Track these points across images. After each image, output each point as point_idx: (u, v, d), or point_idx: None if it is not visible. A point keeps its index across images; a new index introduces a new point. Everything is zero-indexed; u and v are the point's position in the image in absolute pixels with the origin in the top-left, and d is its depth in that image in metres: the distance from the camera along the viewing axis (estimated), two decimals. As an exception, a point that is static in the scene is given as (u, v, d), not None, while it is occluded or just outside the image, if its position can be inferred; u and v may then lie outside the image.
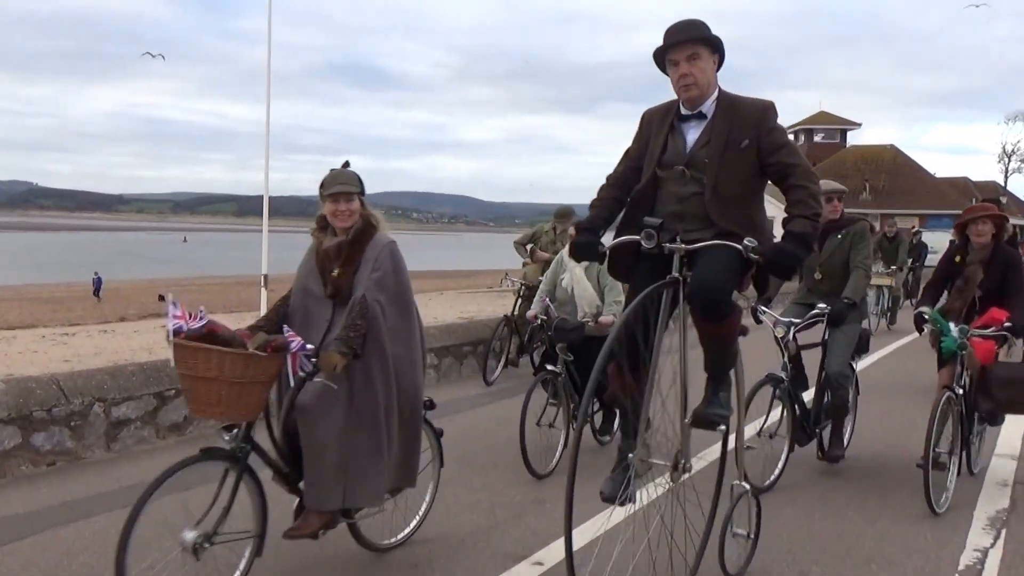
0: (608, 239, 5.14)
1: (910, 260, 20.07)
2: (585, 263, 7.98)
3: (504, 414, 9.64)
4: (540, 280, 12.79)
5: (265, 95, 18.77)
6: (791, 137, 4.24)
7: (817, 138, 77.96)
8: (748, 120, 4.87)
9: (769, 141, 4.86)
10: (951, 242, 8.05)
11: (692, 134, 4.95)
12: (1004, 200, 66.30)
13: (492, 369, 12.35)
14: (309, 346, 4.99)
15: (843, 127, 78.70)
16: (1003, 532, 6.39)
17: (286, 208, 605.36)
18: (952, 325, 7.21)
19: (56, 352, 21.64)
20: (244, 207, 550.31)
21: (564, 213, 13.01)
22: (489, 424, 9.48)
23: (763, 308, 7.59)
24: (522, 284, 12.89)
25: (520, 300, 12.89)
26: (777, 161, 4.85)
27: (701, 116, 4.95)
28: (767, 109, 4.93)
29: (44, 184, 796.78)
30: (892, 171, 69.60)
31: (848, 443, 8.20)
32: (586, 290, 8.30)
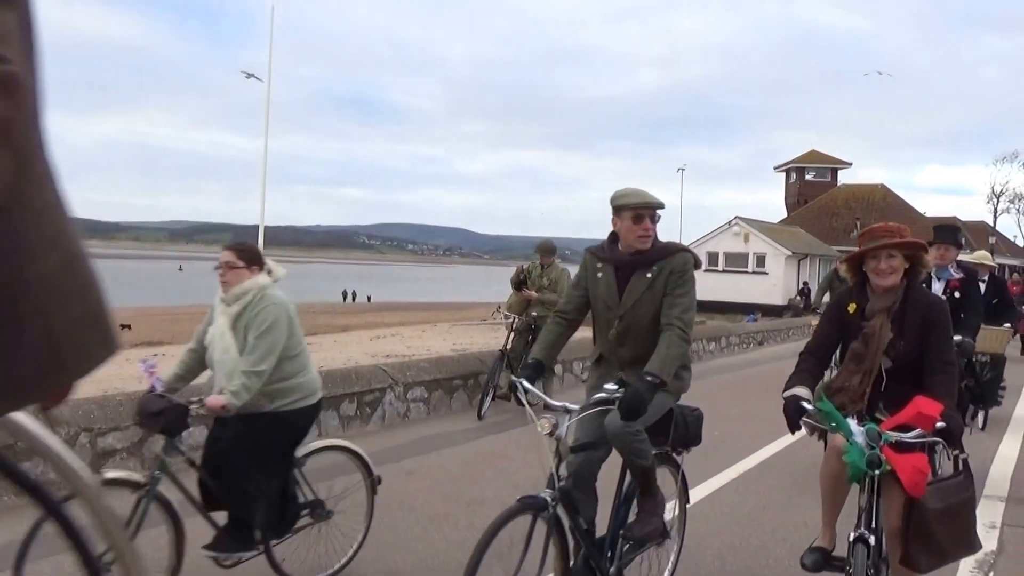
0: None
1: None
2: (239, 306, 5.43)
3: (494, 448, 9.58)
4: (528, 312, 12.85)
5: (264, 126, 18.80)
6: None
7: (809, 176, 78.52)
8: None
9: None
10: (834, 276, 6.02)
11: None
12: (993, 240, 66.46)
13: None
14: None
15: (834, 166, 79.35)
16: (991, 575, 6.33)
17: (282, 237, 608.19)
18: (854, 424, 4.43)
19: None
20: (240, 236, 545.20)
21: (546, 247, 12.96)
22: (478, 458, 9.39)
23: (525, 385, 4.99)
24: (513, 317, 12.86)
25: (512, 333, 12.82)
26: None
27: None
28: None
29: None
30: (882, 210, 70.01)
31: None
32: (227, 352, 5.44)
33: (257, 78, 24.18)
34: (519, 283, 12.97)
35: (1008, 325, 11.77)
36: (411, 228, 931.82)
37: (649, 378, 4.80)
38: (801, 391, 4.77)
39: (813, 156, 79.81)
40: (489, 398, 12.27)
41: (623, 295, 5.21)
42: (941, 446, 4.72)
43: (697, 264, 5.29)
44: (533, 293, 12.66)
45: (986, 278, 11.95)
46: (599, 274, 5.32)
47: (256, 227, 19.95)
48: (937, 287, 8.63)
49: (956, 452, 4.71)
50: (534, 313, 12.71)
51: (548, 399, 4.92)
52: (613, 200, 5.22)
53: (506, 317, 13.18)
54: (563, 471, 4.71)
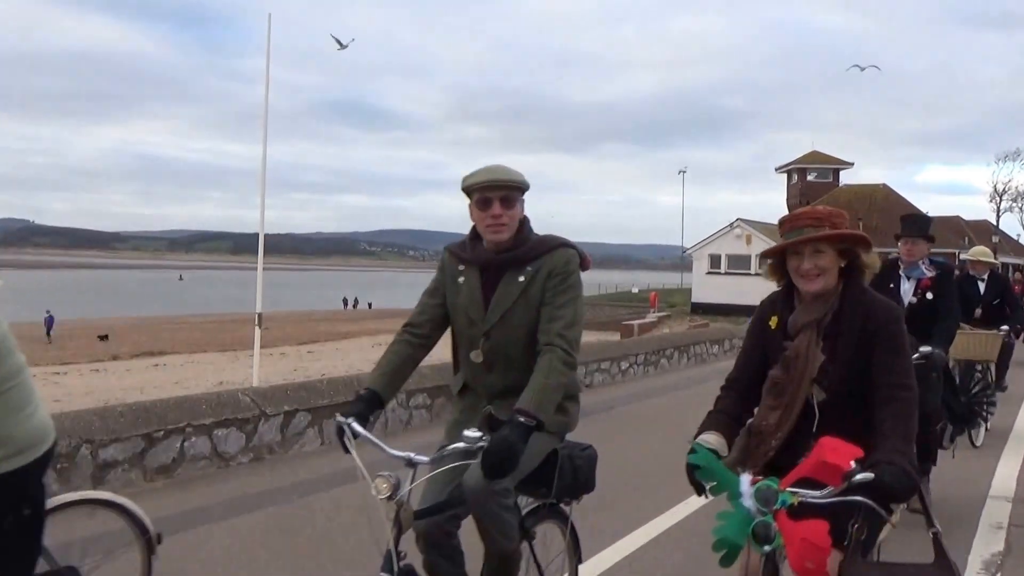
0: None
1: None
2: None
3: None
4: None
5: (262, 134, 18.80)
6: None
7: (810, 177, 78.39)
8: None
9: None
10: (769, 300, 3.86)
11: None
12: (996, 239, 66.43)
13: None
14: None
15: (836, 166, 79.22)
16: (998, 576, 6.31)
17: (282, 245, 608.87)
18: (745, 480, 3.22)
19: (47, 391, 21.50)
20: (240, 244, 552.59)
21: None
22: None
23: (355, 427, 3.78)
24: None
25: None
26: None
27: None
28: None
29: (41, 222, 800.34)
30: (885, 210, 70.01)
31: None
32: None
33: (344, 44, 23.65)
34: None
35: (1006, 328, 11.01)
36: (412, 234, 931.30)
37: (521, 418, 3.69)
38: (709, 439, 3.61)
39: (815, 157, 79.69)
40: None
41: (489, 305, 4.11)
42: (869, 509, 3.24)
43: (584, 263, 4.23)
44: None
45: (986, 277, 11.48)
46: (460, 278, 4.22)
47: (256, 235, 19.96)
48: (907, 287, 7.67)
49: (932, 530, 3.39)
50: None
51: (387, 447, 3.69)
52: (462, 183, 4.17)
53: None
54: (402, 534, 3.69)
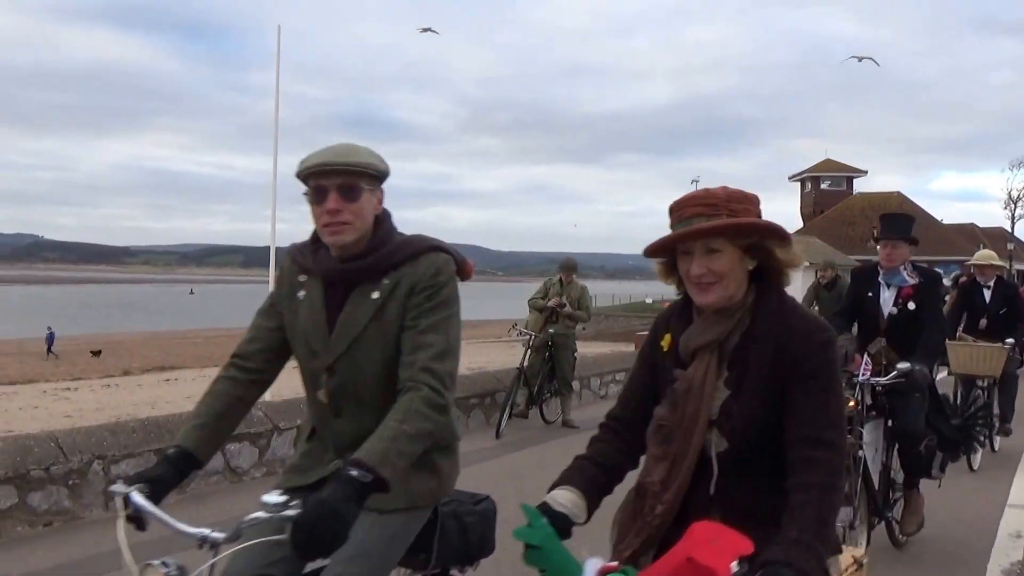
0: None
1: None
2: None
3: (513, 467, 9.56)
4: (546, 330, 12.85)
5: (272, 147, 18.85)
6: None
7: (824, 185, 78.28)
8: None
9: None
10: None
11: None
12: (1011, 246, 66.16)
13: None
14: None
15: (849, 174, 79.08)
16: (1018, 586, 6.29)
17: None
18: (591, 569, 2.27)
19: (58, 407, 21.53)
20: (250, 258, 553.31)
21: (569, 265, 13.15)
22: (496, 477, 9.39)
23: (138, 502, 2.74)
24: (530, 335, 12.88)
25: (528, 351, 12.84)
26: None
27: None
28: None
29: (49, 237, 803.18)
30: (900, 217, 69.80)
31: None
32: None
33: (434, 31, 24.22)
34: (545, 308, 12.92)
35: (1011, 341, 10.08)
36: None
37: (354, 472, 2.65)
38: (561, 498, 2.65)
39: (828, 165, 79.56)
40: (506, 416, 12.30)
41: (334, 330, 3.09)
42: None
43: (462, 272, 3.20)
44: (565, 301, 12.73)
45: (992, 284, 10.65)
46: (300, 293, 3.18)
47: (267, 248, 20.04)
48: (887, 296, 6.93)
49: None
50: (551, 330, 12.76)
51: (178, 524, 2.68)
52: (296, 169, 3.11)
53: (521, 334, 13.20)
54: None
